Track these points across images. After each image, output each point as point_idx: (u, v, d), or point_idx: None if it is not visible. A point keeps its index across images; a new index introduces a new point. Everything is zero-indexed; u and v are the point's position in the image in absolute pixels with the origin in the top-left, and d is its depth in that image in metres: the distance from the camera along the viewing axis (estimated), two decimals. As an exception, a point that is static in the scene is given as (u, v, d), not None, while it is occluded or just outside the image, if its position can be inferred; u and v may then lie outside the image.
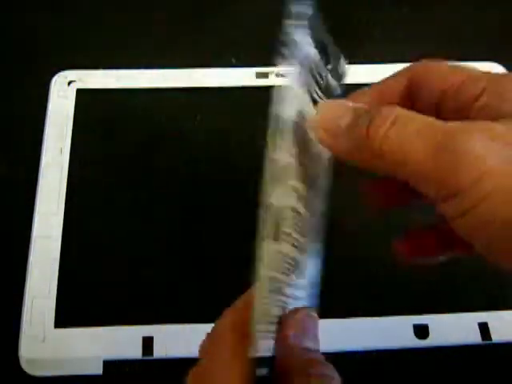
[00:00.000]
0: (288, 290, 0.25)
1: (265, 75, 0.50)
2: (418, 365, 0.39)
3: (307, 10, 0.26)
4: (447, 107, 0.26)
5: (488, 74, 0.25)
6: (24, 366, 0.38)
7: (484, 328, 0.40)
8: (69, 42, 0.52)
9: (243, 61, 0.51)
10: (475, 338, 0.40)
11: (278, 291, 0.25)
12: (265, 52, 0.52)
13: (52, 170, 0.44)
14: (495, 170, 0.21)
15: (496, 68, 0.52)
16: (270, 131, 0.24)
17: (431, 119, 0.23)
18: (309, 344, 0.25)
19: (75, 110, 0.48)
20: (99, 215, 0.44)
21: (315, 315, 0.26)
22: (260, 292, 0.24)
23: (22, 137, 0.47)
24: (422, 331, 0.40)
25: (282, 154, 0.24)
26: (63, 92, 0.48)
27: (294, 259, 0.25)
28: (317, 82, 0.26)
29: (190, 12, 0.55)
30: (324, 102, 0.26)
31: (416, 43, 0.53)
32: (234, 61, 0.51)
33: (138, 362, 0.38)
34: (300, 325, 0.25)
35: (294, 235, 0.25)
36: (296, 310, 0.26)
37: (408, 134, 0.22)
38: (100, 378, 0.38)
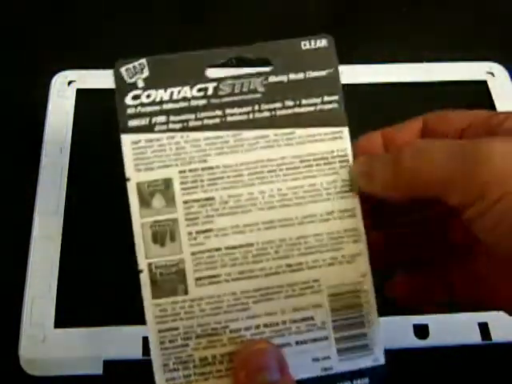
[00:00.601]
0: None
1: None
2: (418, 365, 0.39)
3: None
4: (473, 133, 0.26)
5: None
6: (24, 365, 0.38)
7: (484, 328, 0.40)
8: (69, 42, 0.52)
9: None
10: (475, 338, 0.40)
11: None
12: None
13: (52, 170, 0.44)
14: None
15: (496, 68, 0.52)
16: None
17: (450, 140, 0.23)
18: (269, 377, 0.25)
19: (75, 110, 0.48)
20: (99, 215, 0.44)
21: (267, 345, 0.26)
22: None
23: (22, 137, 0.47)
24: (421, 331, 0.40)
25: None
26: (63, 92, 0.48)
27: None
28: None
29: (190, 12, 0.55)
30: (359, 158, 0.27)
31: (416, 43, 0.53)
32: (234, 61, 0.51)
33: (137, 362, 0.38)
34: (252, 361, 0.25)
35: None
36: (245, 344, 0.26)
37: (430, 156, 0.23)
38: (100, 378, 0.38)
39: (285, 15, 0.54)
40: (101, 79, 0.49)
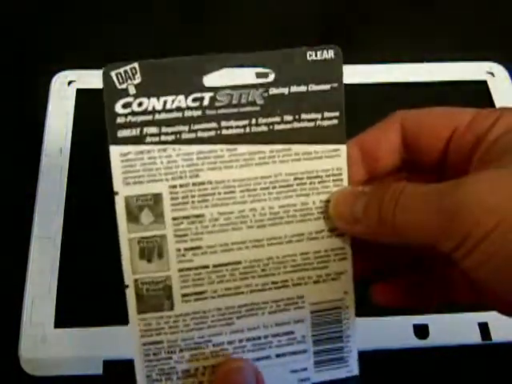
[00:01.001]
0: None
1: (265, 75, 0.50)
2: (418, 365, 0.39)
3: None
4: (456, 149, 0.26)
5: (499, 109, 0.26)
6: (24, 366, 0.38)
7: (484, 328, 0.40)
8: (69, 42, 0.52)
9: (243, 61, 0.51)
10: (475, 338, 0.40)
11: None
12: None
13: (52, 170, 0.44)
14: (496, 207, 0.21)
15: (496, 68, 0.52)
16: None
17: (433, 185, 0.23)
18: None
19: (75, 110, 0.48)
20: (99, 215, 0.44)
21: (243, 364, 0.26)
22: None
23: (22, 137, 0.47)
24: (422, 331, 0.40)
25: None
26: (63, 92, 0.48)
27: None
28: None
29: (190, 12, 0.55)
30: (336, 192, 0.27)
31: (416, 43, 0.53)
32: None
33: (137, 362, 0.38)
34: (231, 379, 0.26)
35: None
36: (225, 361, 0.26)
37: (415, 208, 0.23)
38: (100, 378, 0.38)
39: (285, 15, 0.54)
40: (101, 79, 0.49)
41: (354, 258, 0.28)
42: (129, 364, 0.39)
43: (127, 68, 0.26)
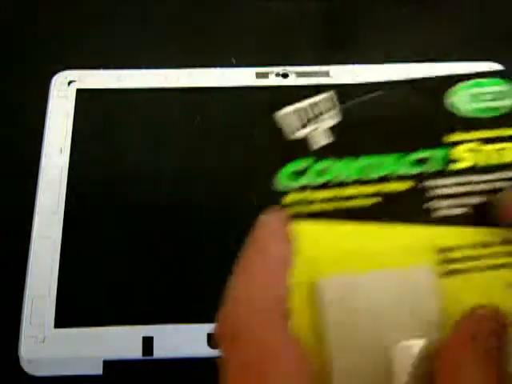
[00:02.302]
0: None
1: (265, 75, 0.50)
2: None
3: None
4: None
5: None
6: (24, 366, 0.38)
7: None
8: (69, 42, 0.52)
9: (243, 61, 0.51)
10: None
11: None
12: (265, 52, 0.52)
13: (52, 170, 0.44)
14: None
15: (496, 68, 0.52)
16: None
17: None
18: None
19: (75, 110, 0.48)
20: (99, 215, 0.44)
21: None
22: None
23: (22, 137, 0.47)
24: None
25: None
26: (63, 92, 0.48)
27: None
28: None
29: (190, 12, 0.54)
30: None
31: (416, 43, 0.53)
32: (233, 61, 0.51)
33: (138, 362, 0.38)
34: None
35: None
36: None
37: None
38: (100, 378, 0.38)
39: (284, 15, 0.54)
40: (101, 79, 0.49)
41: None
42: (129, 364, 0.39)
43: None
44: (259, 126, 0.48)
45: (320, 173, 0.23)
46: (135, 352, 0.38)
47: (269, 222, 0.23)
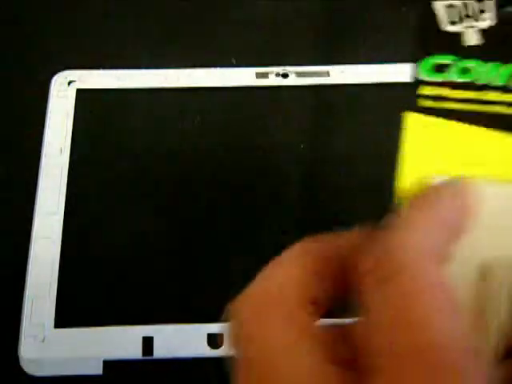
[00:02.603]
0: None
1: (265, 75, 0.50)
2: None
3: None
4: None
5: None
6: (24, 366, 0.38)
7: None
8: (69, 42, 0.52)
9: (243, 61, 0.51)
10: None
11: None
12: (265, 52, 0.52)
13: (52, 170, 0.44)
14: None
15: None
16: None
17: None
18: None
19: (75, 110, 0.48)
20: (99, 215, 0.44)
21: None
22: None
23: (22, 137, 0.47)
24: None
25: None
26: (63, 92, 0.48)
27: None
28: None
29: (190, 12, 0.54)
30: None
31: (416, 43, 0.53)
32: (233, 61, 0.51)
33: (138, 362, 0.38)
34: None
35: None
36: None
37: None
38: (100, 378, 0.38)
39: (284, 15, 0.54)
40: (101, 79, 0.49)
41: None
42: (129, 364, 0.39)
43: None
44: (259, 125, 0.48)
45: (464, 71, 0.22)
46: (135, 352, 0.38)
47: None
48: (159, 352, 0.38)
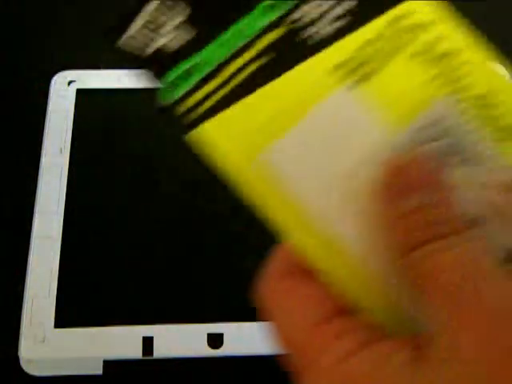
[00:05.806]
0: None
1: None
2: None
3: None
4: None
5: None
6: (24, 366, 0.38)
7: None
8: (69, 41, 0.52)
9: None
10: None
11: None
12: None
13: (52, 170, 0.45)
14: None
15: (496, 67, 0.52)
16: None
17: None
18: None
19: (75, 110, 0.48)
20: (99, 215, 0.44)
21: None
22: None
23: (22, 137, 0.47)
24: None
25: None
26: (63, 92, 0.48)
27: None
28: None
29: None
30: None
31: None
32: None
33: (138, 362, 0.38)
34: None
35: None
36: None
37: None
38: (100, 378, 0.38)
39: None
40: (101, 79, 0.49)
41: None
42: (129, 364, 0.39)
43: None
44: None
45: (198, 67, 0.23)
46: (135, 352, 0.38)
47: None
48: (159, 352, 0.38)
